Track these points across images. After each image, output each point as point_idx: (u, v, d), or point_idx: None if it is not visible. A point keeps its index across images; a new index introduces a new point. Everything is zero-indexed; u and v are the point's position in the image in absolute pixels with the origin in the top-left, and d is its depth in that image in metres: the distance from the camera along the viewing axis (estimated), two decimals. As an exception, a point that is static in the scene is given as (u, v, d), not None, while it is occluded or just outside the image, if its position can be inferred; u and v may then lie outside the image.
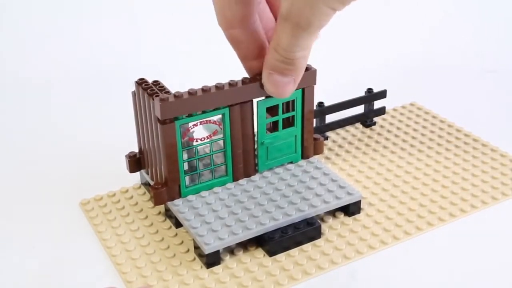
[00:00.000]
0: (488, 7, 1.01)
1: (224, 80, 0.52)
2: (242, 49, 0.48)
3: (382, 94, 0.70)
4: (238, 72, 0.54)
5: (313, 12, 0.39)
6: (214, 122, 0.53)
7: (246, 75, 0.53)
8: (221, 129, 0.53)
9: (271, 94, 0.49)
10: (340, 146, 0.67)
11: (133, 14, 0.99)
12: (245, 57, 0.49)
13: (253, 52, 0.49)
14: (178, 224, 0.54)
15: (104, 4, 0.98)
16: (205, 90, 0.51)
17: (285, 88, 0.47)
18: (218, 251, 0.49)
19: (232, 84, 0.52)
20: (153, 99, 0.51)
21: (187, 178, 0.54)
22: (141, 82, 0.54)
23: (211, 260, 0.49)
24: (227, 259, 0.50)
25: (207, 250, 0.48)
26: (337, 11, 0.39)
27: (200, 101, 0.51)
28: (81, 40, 0.92)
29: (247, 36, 0.47)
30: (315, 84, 0.56)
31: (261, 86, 0.49)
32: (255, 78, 0.52)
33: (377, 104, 0.71)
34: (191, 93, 0.51)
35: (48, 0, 0.94)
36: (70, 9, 0.97)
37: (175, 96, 0.50)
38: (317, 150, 0.60)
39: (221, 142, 0.54)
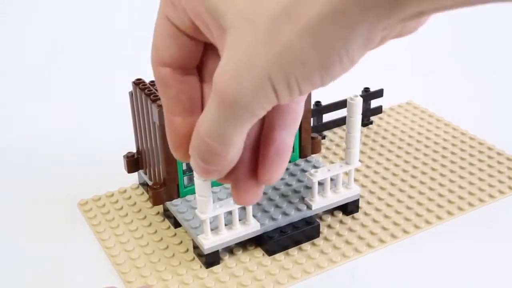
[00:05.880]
0: (487, 6, 1.01)
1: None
2: (169, 97, 0.33)
3: (379, 93, 0.70)
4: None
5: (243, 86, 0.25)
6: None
7: None
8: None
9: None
10: (337, 145, 0.67)
11: (131, 14, 0.99)
12: (169, 109, 0.33)
13: (182, 106, 0.33)
14: (176, 224, 0.54)
15: (102, 4, 0.98)
16: None
17: (206, 175, 0.31)
18: (218, 250, 0.49)
19: None
20: (150, 100, 0.51)
21: (185, 178, 0.54)
22: (138, 83, 0.54)
23: (211, 259, 0.49)
24: (226, 258, 0.51)
25: (206, 249, 0.48)
26: (280, 100, 0.26)
27: None
28: (79, 40, 0.92)
29: (179, 82, 0.32)
30: (312, 83, 0.56)
31: None
32: None
33: (374, 103, 0.71)
34: None
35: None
36: (68, 8, 0.97)
37: None
38: (315, 149, 0.60)
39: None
